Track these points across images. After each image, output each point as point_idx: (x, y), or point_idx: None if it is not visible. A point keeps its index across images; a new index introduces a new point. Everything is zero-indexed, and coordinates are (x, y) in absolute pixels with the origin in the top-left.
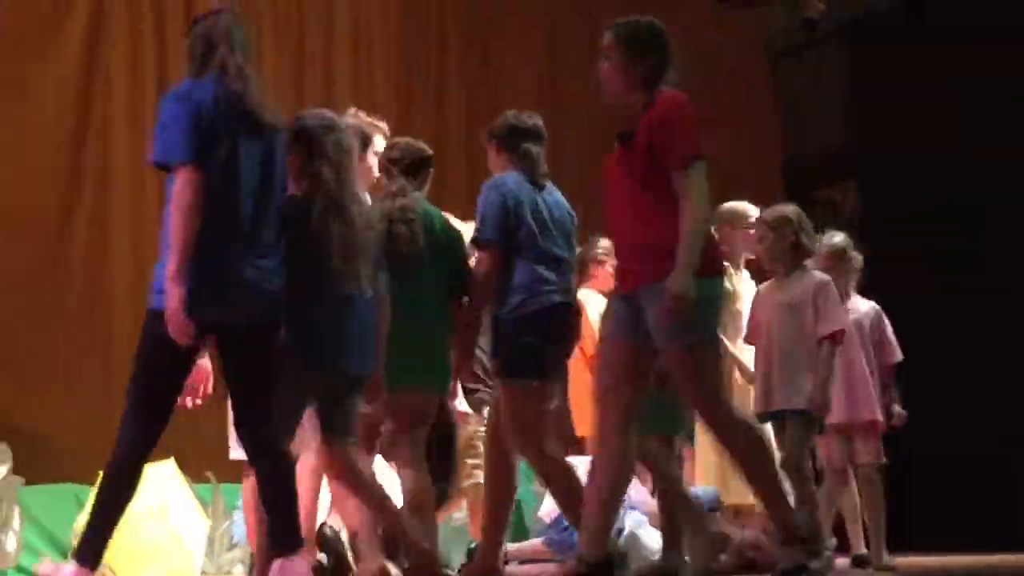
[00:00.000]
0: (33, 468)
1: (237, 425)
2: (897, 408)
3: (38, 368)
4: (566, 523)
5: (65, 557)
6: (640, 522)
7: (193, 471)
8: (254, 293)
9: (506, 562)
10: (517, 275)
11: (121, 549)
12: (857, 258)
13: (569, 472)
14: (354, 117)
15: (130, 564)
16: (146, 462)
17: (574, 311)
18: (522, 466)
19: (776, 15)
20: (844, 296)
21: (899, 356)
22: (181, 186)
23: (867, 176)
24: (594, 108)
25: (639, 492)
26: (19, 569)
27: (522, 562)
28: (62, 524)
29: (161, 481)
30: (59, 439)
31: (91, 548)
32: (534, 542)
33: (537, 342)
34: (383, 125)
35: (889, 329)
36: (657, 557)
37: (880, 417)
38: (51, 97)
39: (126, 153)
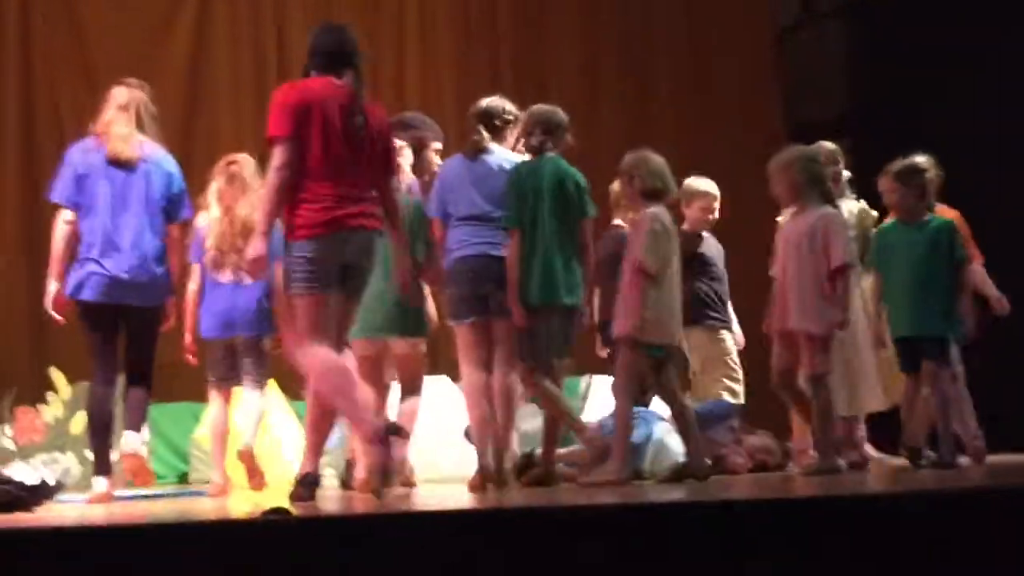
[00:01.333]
0: (157, 389)
1: None
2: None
3: None
4: (603, 432)
5: (185, 463)
6: (667, 430)
7: (291, 391)
8: None
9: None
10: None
11: (232, 458)
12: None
13: None
14: None
15: (239, 471)
16: None
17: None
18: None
19: None
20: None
21: (838, 262)
22: None
23: (862, 141)
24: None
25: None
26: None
27: (569, 464)
28: (182, 436)
29: (265, 400)
30: (178, 364)
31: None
32: (578, 448)
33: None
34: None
35: (835, 237)
36: (682, 459)
37: (816, 329)
38: (167, 80)
39: (230, 130)
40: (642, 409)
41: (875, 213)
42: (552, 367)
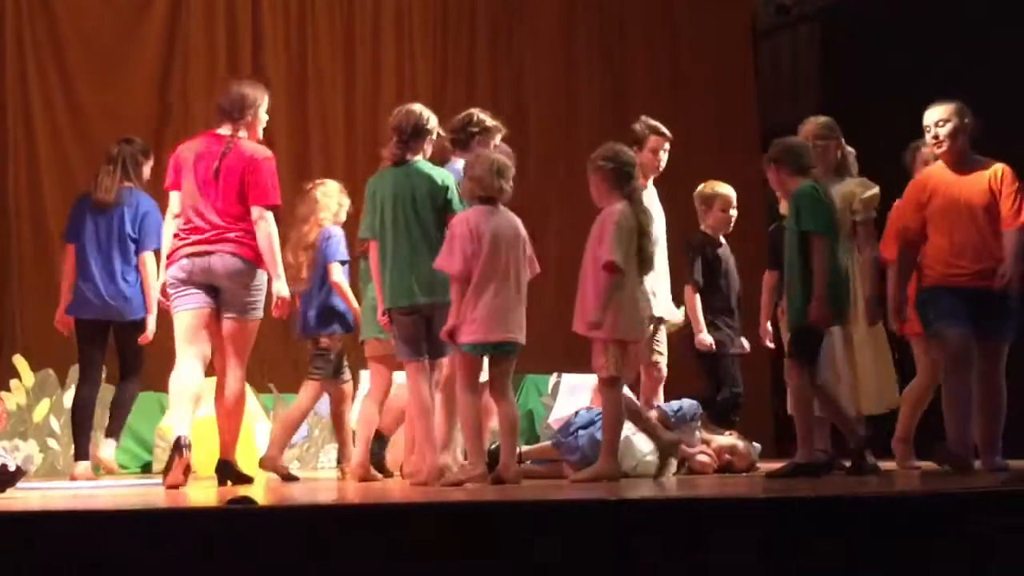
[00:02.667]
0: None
1: None
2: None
3: None
4: (570, 429)
5: (149, 452)
6: (633, 429)
7: (257, 383)
8: None
9: (522, 461)
10: None
11: (197, 449)
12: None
13: None
14: None
15: (205, 461)
16: None
17: None
18: (532, 381)
19: (756, 0)
20: None
21: (604, 259)
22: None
23: None
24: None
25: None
26: None
27: (535, 461)
28: (147, 425)
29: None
30: (145, 354)
31: None
32: (544, 445)
33: None
34: None
35: (607, 233)
36: (649, 457)
37: (578, 329)
38: (141, 66)
39: (202, 117)
40: None
41: (875, 190)
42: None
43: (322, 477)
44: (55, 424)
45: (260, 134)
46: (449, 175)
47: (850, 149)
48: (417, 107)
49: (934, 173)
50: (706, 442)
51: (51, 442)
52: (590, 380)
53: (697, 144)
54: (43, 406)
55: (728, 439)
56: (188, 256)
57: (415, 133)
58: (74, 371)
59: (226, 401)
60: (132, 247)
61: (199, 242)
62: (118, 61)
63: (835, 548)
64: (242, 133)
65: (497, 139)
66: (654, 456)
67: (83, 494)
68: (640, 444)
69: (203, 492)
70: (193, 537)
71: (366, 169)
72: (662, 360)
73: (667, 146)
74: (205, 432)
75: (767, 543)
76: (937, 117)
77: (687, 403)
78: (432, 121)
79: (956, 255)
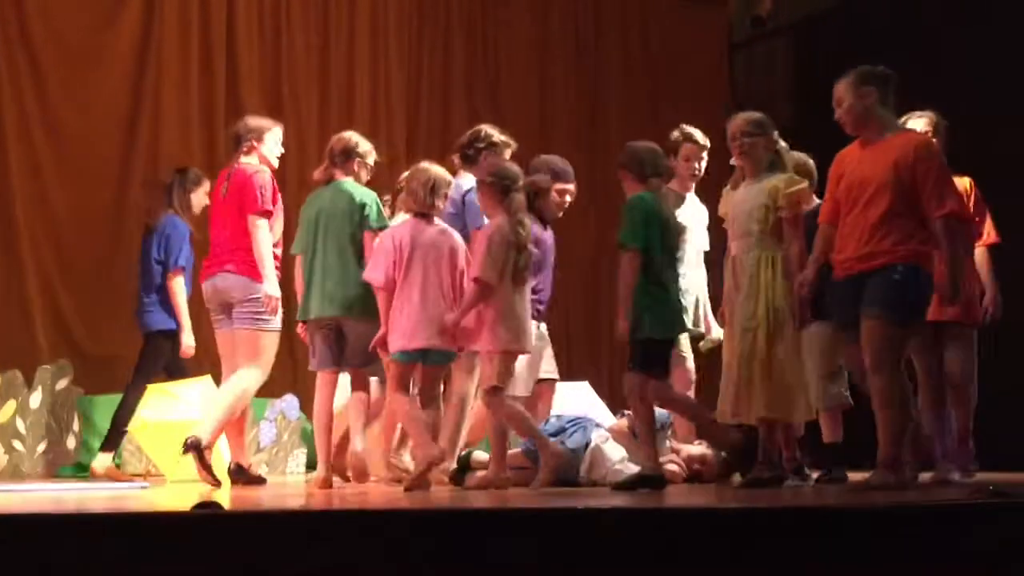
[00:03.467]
0: (91, 380)
1: None
2: None
3: (97, 295)
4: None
5: (118, 455)
6: (604, 437)
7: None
8: None
9: (473, 468)
10: None
11: (165, 452)
12: None
13: None
14: None
15: (173, 465)
16: None
17: None
18: None
19: (731, 12)
20: None
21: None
22: None
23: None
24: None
25: (604, 412)
26: (77, 465)
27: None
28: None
29: (200, 394)
30: (113, 356)
31: None
32: (515, 451)
33: None
34: None
35: (478, 249)
36: (618, 466)
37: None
38: (115, 63)
39: (175, 114)
40: (581, 417)
41: (801, 184)
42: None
43: (291, 482)
44: (21, 426)
45: (273, 162)
46: (369, 193)
47: (783, 145)
48: (349, 133)
49: (849, 152)
50: (675, 451)
51: (16, 444)
52: (565, 387)
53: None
54: (8, 407)
55: (698, 448)
56: (204, 280)
57: (344, 154)
58: (42, 371)
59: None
60: (157, 268)
61: (209, 266)
62: (90, 58)
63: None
64: (247, 159)
65: (506, 154)
66: (623, 465)
67: (48, 497)
68: (611, 452)
69: (172, 496)
70: (160, 541)
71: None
72: (688, 360)
73: (704, 154)
74: (171, 434)
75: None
76: (835, 98)
77: (658, 412)
78: (363, 146)
79: (842, 240)
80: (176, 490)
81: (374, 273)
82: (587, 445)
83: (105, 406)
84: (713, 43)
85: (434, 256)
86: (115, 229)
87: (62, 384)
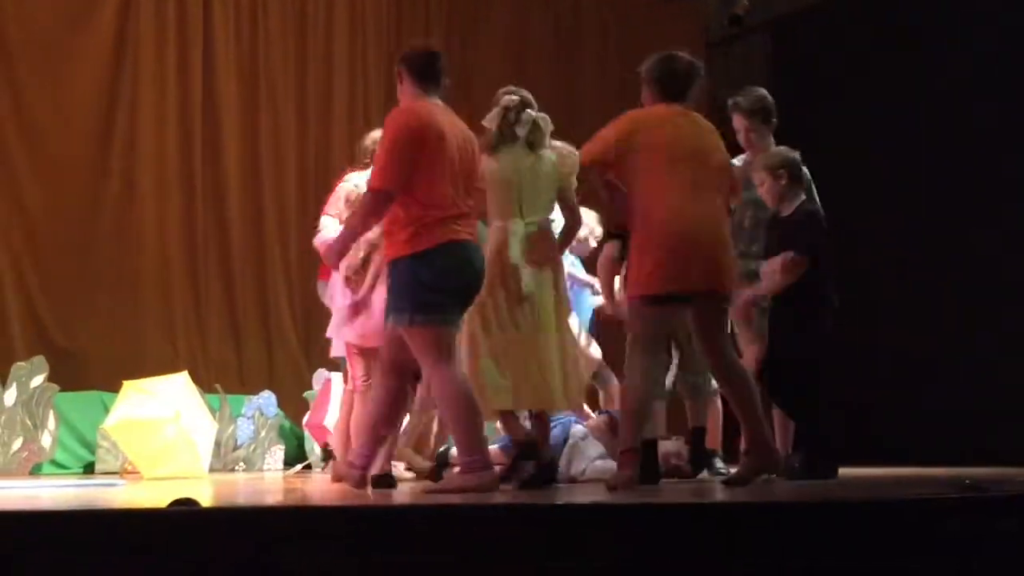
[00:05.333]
0: (66, 377)
1: None
2: None
3: (72, 293)
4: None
5: (92, 453)
6: (583, 434)
7: (204, 384)
8: None
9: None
10: None
11: (141, 449)
12: None
13: None
14: None
15: (149, 462)
16: None
17: None
18: None
19: (709, 10)
20: None
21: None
22: None
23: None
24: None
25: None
26: (54, 463)
27: None
28: (89, 425)
29: (176, 391)
30: (88, 353)
31: None
32: (494, 448)
33: None
34: None
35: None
36: (597, 462)
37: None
38: (90, 61)
39: (152, 112)
40: (561, 415)
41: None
42: None
43: (268, 478)
44: None
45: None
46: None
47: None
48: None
49: None
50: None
51: None
52: None
53: None
54: None
55: (675, 444)
56: None
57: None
58: (16, 369)
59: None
60: None
61: None
62: (65, 56)
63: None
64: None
65: None
66: (603, 461)
67: (24, 495)
68: (588, 449)
69: (149, 493)
70: (137, 539)
71: (317, 176)
72: None
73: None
74: (147, 432)
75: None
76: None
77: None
78: None
79: None
80: (153, 487)
81: None
82: (566, 441)
83: (82, 403)
84: (690, 42)
85: None
86: (90, 226)
87: (37, 381)
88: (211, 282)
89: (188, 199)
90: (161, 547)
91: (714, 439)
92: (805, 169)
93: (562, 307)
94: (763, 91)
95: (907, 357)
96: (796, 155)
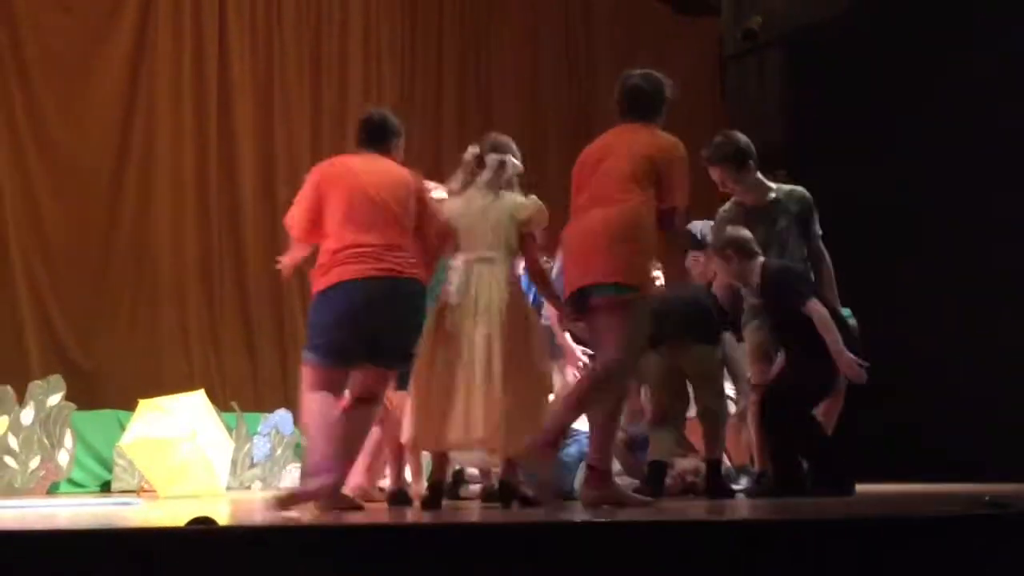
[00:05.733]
0: (83, 396)
1: None
2: None
3: (90, 311)
4: None
5: (108, 471)
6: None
7: (220, 402)
8: None
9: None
10: None
11: (158, 468)
12: None
13: None
14: None
15: (165, 480)
16: None
17: None
18: None
19: (723, 25)
20: None
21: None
22: None
23: (798, 168)
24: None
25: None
26: (70, 481)
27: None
28: (106, 444)
29: (193, 409)
30: (105, 372)
31: None
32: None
33: None
34: None
35: None
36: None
37: None
38: (107, 77)
39: (168, 127)
40: (577, 431)
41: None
42: None
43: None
44: (13, 442)
45: None
46: None
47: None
48: None
49: None
50: (669, 466)
51: (8, 460)
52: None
53: None
54: (0, 424)
55: (691, 461)
56: None
57: None
58: (33, 387)
59: None
60: None
61: None
62: (82, 72)
63: None
64: None
65: None
66: (619, 478)
67: (41, 514)
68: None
69: (166, 512)
70: (154, 558)
71: None
72: None
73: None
74: (163, 450)
75: None
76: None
77: (639, 424)
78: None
79: None
80: (169, 506)
81: None
82: (581, 459)
83: (98, 422)
84: (704, 56)
85: None
86: (108, 243)
87: (54, 400)
88: (226, 299)
89: (204, 215)
90: (178, 566)
91: (738, 456)
92: (750, 234)
93: (510, 343)
94: (730, 135)
95: (919, 372)
96: (741, 233)
